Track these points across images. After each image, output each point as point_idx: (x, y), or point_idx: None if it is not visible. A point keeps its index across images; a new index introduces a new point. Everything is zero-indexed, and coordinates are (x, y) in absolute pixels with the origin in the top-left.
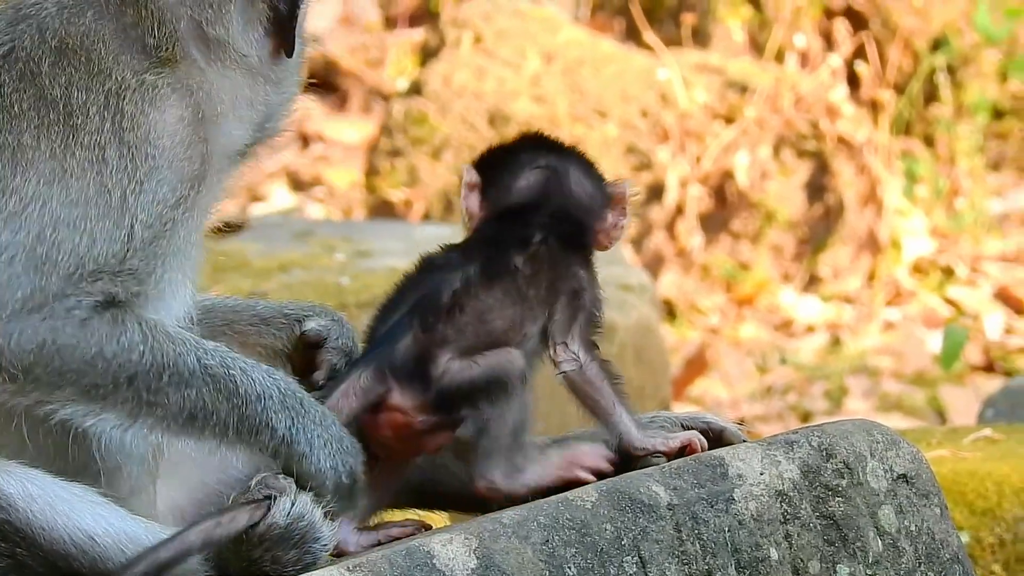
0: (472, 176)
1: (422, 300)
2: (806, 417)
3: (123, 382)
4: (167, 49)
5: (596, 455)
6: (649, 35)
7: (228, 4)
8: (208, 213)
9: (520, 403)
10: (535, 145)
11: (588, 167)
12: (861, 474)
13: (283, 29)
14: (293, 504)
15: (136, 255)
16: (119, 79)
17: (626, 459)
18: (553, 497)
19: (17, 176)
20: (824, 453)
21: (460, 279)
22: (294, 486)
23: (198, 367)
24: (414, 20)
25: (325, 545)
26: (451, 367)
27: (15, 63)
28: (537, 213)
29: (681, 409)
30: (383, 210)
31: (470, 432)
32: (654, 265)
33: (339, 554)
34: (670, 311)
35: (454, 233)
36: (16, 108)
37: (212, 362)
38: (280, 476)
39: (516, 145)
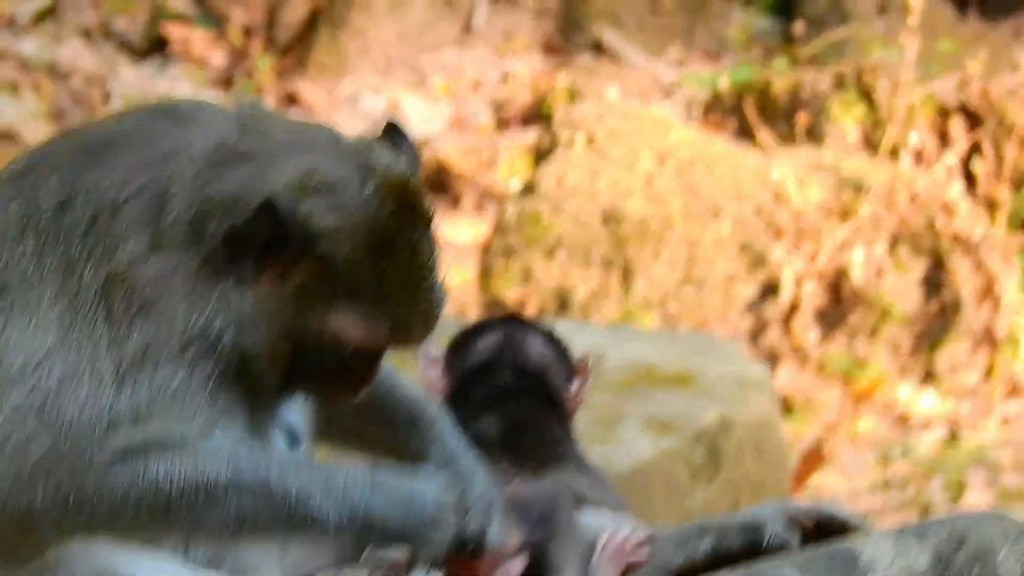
0: (433, 353)
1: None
2: (925, 510)
3: (160, 516)
4: (170, 238)
5: (633, 539)
6: (762, 134)
7: (242, 254)
8: (244, 387)
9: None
10: (499, 320)
11: (549, 336)
12: (993, 564)
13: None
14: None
15: (154, 414)
16: (115, 265)
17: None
18: None
19: (28, 337)
20: (956, 542)
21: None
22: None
23: (230, 485)
24: (526, 121)
25: None
26: (526, 487)
27: (63, 216)
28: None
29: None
30: (496, 309)
31: (548, 558)
32: (770, 361)
33: None
34: (787, 406)
35: (569, 330)
36: (46, 268)
37: (245, 467)
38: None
39: (479, 323)
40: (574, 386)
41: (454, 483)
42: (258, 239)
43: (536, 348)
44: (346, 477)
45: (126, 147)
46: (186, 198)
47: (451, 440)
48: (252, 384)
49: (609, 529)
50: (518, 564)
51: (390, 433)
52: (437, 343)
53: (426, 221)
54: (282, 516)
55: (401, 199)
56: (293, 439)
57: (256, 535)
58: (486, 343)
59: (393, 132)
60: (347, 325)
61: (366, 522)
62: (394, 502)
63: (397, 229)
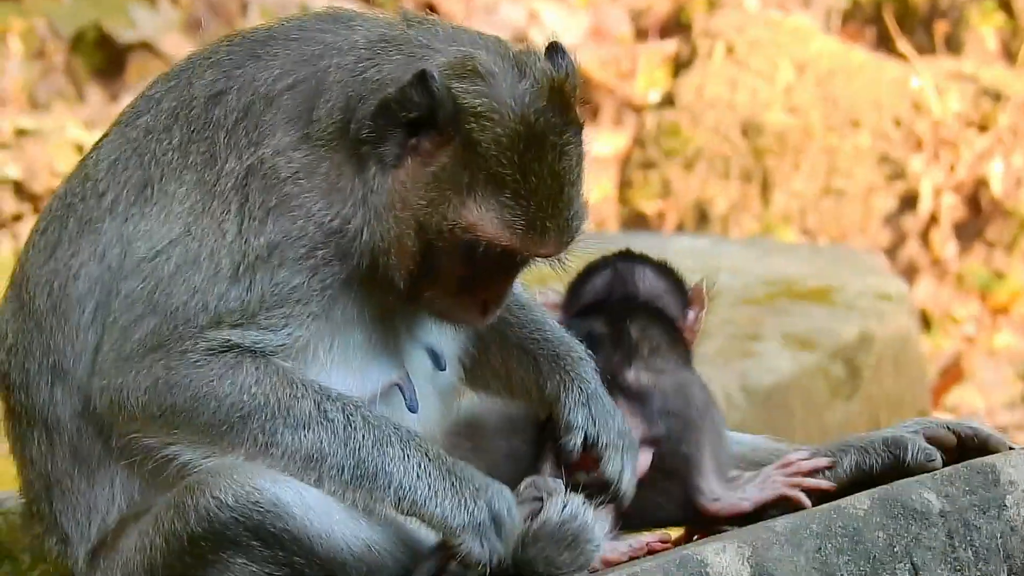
0: (552, 297)
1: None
2: None
3: (236, 422)
4: (321, 128)
5: (812, 461)
6: (902, 43)
7: (389, 132)
8: (369, 296)
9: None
10: (610, 257)
11: (662, 268)
12: None
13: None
14: (565, 504)
15: (260, 315)
16: (260, 155)
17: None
18: (826, 505)
19: (157, 226)
20: None
21: None
22: (563, 487)
23: (316, 411)
24: (665, 31)
25: (598, 546)
26: (642, 377)
27: (216, 106)
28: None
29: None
30: (636, 222)
31: (683, 452)
32: (908, 274)
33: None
34: (925, 320)
35: (710, 245)
36: (191, 158)
37: (331, 408)
38: (551, 479)
39: (591, 264)
40: (690, 315)
41: (591, 422)
42: (409, 110)
43: (647, 281)
44: (428, 451)
45: (286, 43)
46: (342, 86)
47: (591, 382)
48: (380, 295)
49: (791, 450)
50: (646, 457)
51: (532, 370)
52: (560, 283)
53: (577, 127)
54: (353, 461)
55: (555, 99)
56: (436, 359)
57: (327, 472)
58: (597, 282)
59: (554, 50)
60: (481, 217)
61: (426, 497)
62: (460, 486)
63: (548, 126)
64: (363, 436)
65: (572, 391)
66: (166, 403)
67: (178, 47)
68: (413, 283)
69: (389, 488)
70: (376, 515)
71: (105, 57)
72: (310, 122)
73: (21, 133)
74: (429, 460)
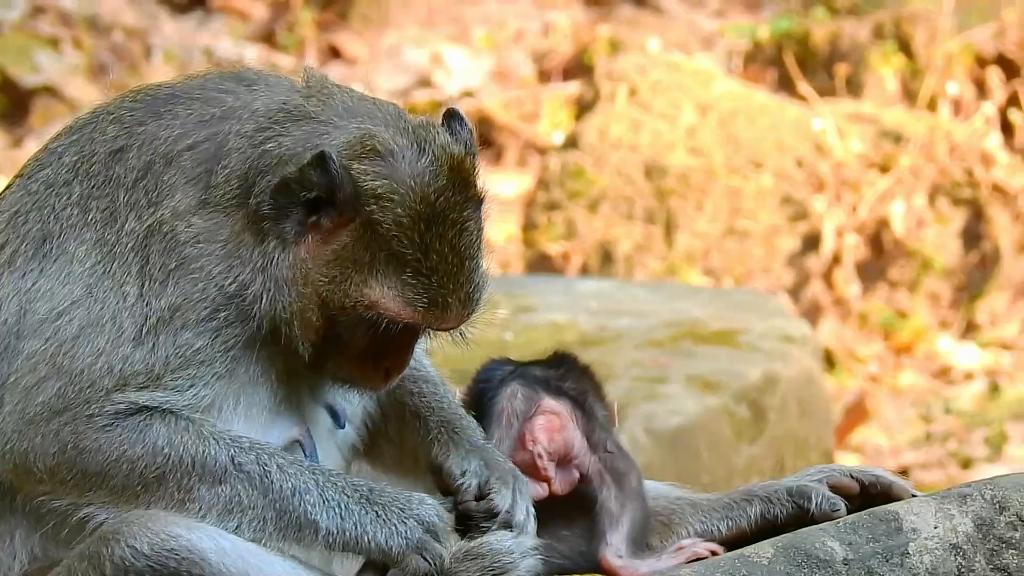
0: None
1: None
2: (967, 464)
3: (152, 482)
4: (220, 193)
5: (703, 545)
6: (803, 85)
7: (289, 210)
8: (272, 356)
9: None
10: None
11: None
12: None
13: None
14: (511, 539)
15: (165, 376)
16: (159, 217)
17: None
18: (731, 553)
19: (58, 285)
20: (997, 506)
21: None
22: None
23: (230, 464)
24: (568, 74)
25: None
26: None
27: (117, 163)
28: None
29: (845, 459)
30: (541, 263)
31: (607, 504)
32: (812, 314)
33: None
34: (829, 360)
35: (614, 288)
36: (91, 215)
37: (246, 460)
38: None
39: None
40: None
41: (478, 470)
42: (307, 191)
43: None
44: (346, 484)
45: (189, 102)
46: (241, 154)
47: (480, 440)
48: (283, 358)
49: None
50: (570, 478)
51: (423, 434)
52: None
53: (478, 202)
54: (274, 512)
55: (455, 175)
56: (335, 417)
57: (246, 525)
58: (489, 374)
59: (452, 118)
60: (384, 295)
61: (356, 534)
62: (387, 514)
63: (448, 204)
64: (280, 486)
65: (462, 445)
66: (76, 468)
67: (82, 91)
68: (316, 352)
69: (317, 535)
70: (292, 555)
71: (8, 101)
72: (208, 187)
73: None
74: (348, 496)
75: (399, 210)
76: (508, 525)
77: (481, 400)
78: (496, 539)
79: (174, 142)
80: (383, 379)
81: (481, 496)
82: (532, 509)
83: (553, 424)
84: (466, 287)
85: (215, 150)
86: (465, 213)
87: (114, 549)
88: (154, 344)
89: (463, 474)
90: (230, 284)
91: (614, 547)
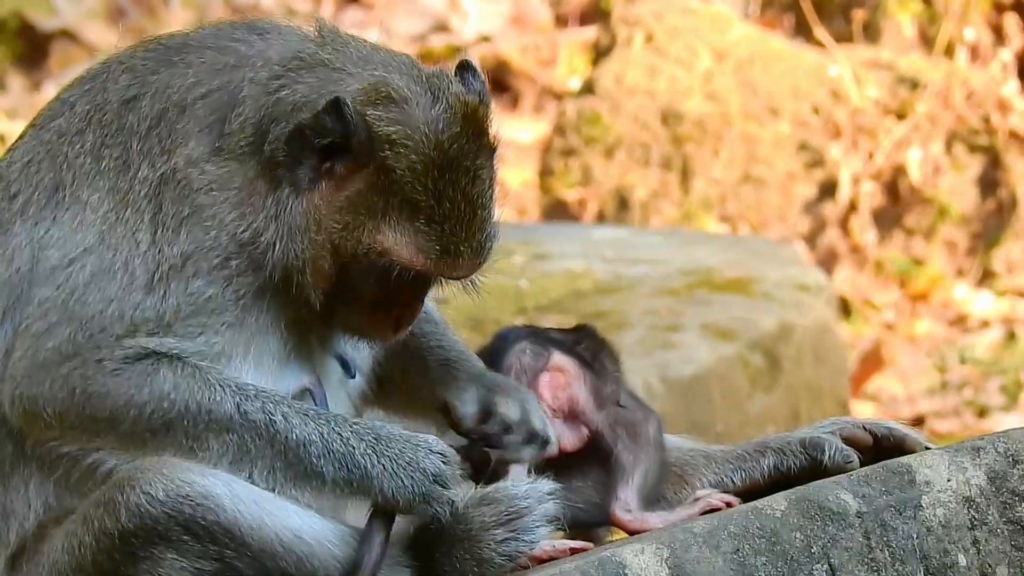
0: None
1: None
2: (982, 412)
3: (159, 429)
4: (233, 142)
5: (718, 496)
6: (819, 31)
7: (304, 156)
8: (283, 306)
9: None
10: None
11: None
12: None
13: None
14: (528, 485)
15: (176, 324)
16: (173, 164)
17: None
18: (743, 506)
19: (70, 233)
20: (1010, 459)
21: None
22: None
23: (236, 413)
24: (585, 19)
25: (532, 544)
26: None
27: (130, 112)
28: None
29: (860, 407)
30: (557, 210)
31: (620, 458)
32: (828, 262)
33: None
34: (845, 308)
35: (629, 235)
36: (104, 163)
37: (251, 408)
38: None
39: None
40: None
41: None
42: (322, 137)
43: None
44: (352, 434)
45: (201, 51)
46: (255, 102)
47: (482, 370)
48: (294, 307)
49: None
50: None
51: (426, 374)
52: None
53: (490, 150)
54: (282, 462)
55: (469, 124)
56: (345, 366)
57: (257, 474)
58: (503, 333)
59: (465, 69)
60: (396, 242)
61: (362, 486)
62: (393, 466)
63: (461, 152)
64: (285, 436)
65: (459, 377)
66: (85, 413)
67: (101, 35)
68: (327, 301)
69: (324, 485)
70: (306, 503)
71: (27, 45)
72: (222, 135)
73: None
74: (353, 447)
75: (412, 156)
76: (530, 436)
77: (493, 357)
78: (512, 483)
79: (187, 90)
80: (393, 329)
81: (487, 418)
82: (546, 419)
83: (558, 380)
84: (478, 236)
85: (228, 98)
86: (478, 161)
87: (129, 495)
88: (165, 291)
89: (462, 403)
90: (243, 232)
91: (623, 501)
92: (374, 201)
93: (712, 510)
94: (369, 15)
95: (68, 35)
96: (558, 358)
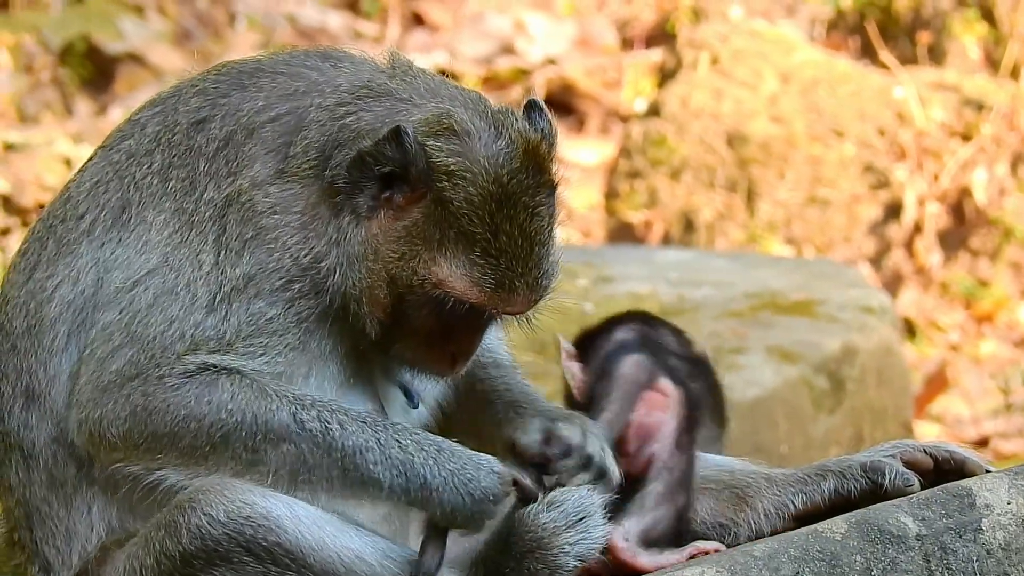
0: (569, 347)
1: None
2: None
3: (218, 442)
4: (297, 164)
5: (705, 544)
6: (884, 53)
7: (364, 184)
8: (344, 332)
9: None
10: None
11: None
12: None
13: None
14: (585, 493)
15: (237, 343)
16: (238, 187)
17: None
18: (803, 529)
19: (135, 254)
20: None
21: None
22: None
23: (292, 423)
24: (651, 41)
25: (599, 541)
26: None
27: (199, 133)
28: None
29: (924, 429)
30: (622, 232)
31: (650, 497)
32: (893, 283)
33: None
34: (910, 329)
35: (694, 258)
36: (171, 184)
37: (307, 416)
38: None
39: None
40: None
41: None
42: (383, 164)
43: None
44: (412, 443)
45: (274, 76)
46: (321, 127)
47: (542, 405)
48: (353, 334)
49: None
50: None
51: (493, 415)
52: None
53: (551, 188)
54: (339, 470)
55: (529, 159)
56: (409, 397)
57: (316, 484)
58: (622, 336)
59: (532, 108)
60: (451, 274)
61: (421, 491)
62: (453, 480)
63: (520, 187)
64: (342, 444)
65: (526, 414)
66: (147, 430)
67: (166, 58)
68: (384, 331)
69: (381, 493)
70: (364, 525)
71: (93, 69)
72: (287, 157)
73: (9, 147)
74: (412, 456)
75: (471, 188)
76: (586, 462)
77: (606, 357)
78: (575, 488)
79: (256, 114)
80: (450, 365)
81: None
82: (607, 448)
83: (657, 402)
84: (534, 272)
85: (296, 122)
86: (538, 198)
87: (190, 517)
88: (227, 312)
89: (526, 433)
90: (305, 256)
91: (624, 530)
92: (431, 232)
93: (699, 554)
94: (435, 37)
95: (134, 58)
96: (667, 385)
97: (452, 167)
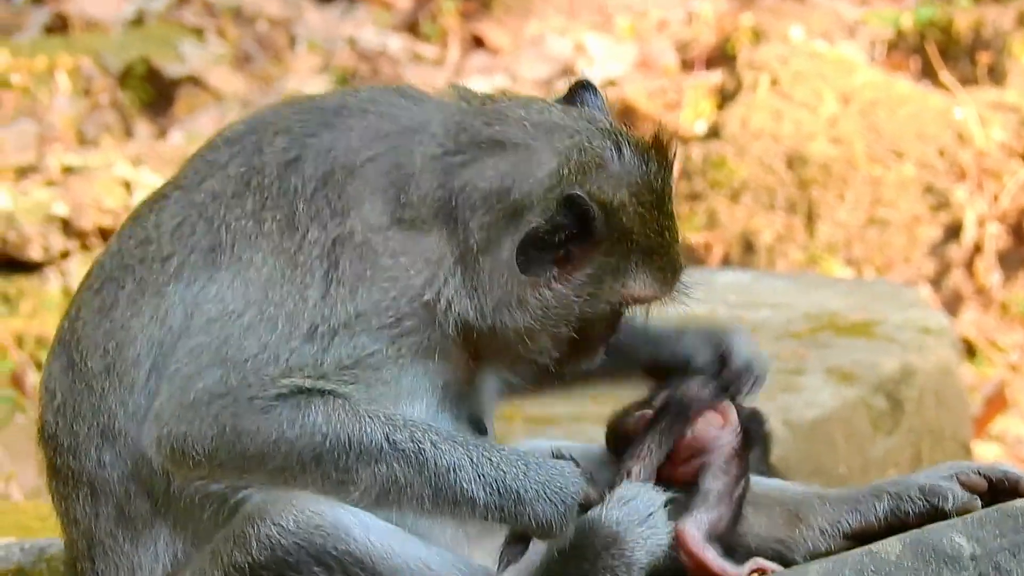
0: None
1: None
2: None
3: (309, 463)
4: (416, 213)
5: (764, 562)
6: (944, 74)
7: (499, 230)
8: (437, 366)
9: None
10: None
11: None
12: None
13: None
14: (644, 491)
15: (331, 373)
16: (350, 227)
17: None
18: (858, 550)
19: (228, 291)
20: None
21: None
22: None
23: (386, 444)
24: (711, 63)
25: (666, 536)
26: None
27: (292, 174)
28: None
29: (984, 449)
30: (683, 254)
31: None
32: (953, 303)
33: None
34: (969, 349)
35: (752, 280)
36: (267, 225)
37: (400, 437)
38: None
39: None
40: None
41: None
42: (560, 233)
43: None
44: (501, 459)
45: (362, 115)
46: (434, 177)
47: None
48: (454, 370)
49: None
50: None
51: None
52: None
53: (672, 165)
54: (431, 490)
55: (659, 151)
56: (478, 427)
57: (405, 504)
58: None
59: (585, 88)
60: (641, 286)
61: (515, 506)
62: (545, 491)
63: (664, 181)
64: (435, 463)
65: (688, 332)
66: (235, 450)
67: (226, 81)
68: (560, 357)
69: (474, 511)
70: (434, 534)
71: (153, 92)
72: (401, 205)
73: (68, 170)
74: (504, 472)
75: (638, 209)
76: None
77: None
78: (638, 484)
79: (353, 154)
80: (598, 352)
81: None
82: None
83: (716, 421)
84: (677, 244)
85: (399, 166)
86: (671, 178)
87: (260, 528)
88: (328, 344)
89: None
90: (426, 296)
91: (695, 520)
92: (614, 263)
93: (759, 571)
94: (495, 60)
95: (194, 81)
96: (730, 409)
97: (616, 200)
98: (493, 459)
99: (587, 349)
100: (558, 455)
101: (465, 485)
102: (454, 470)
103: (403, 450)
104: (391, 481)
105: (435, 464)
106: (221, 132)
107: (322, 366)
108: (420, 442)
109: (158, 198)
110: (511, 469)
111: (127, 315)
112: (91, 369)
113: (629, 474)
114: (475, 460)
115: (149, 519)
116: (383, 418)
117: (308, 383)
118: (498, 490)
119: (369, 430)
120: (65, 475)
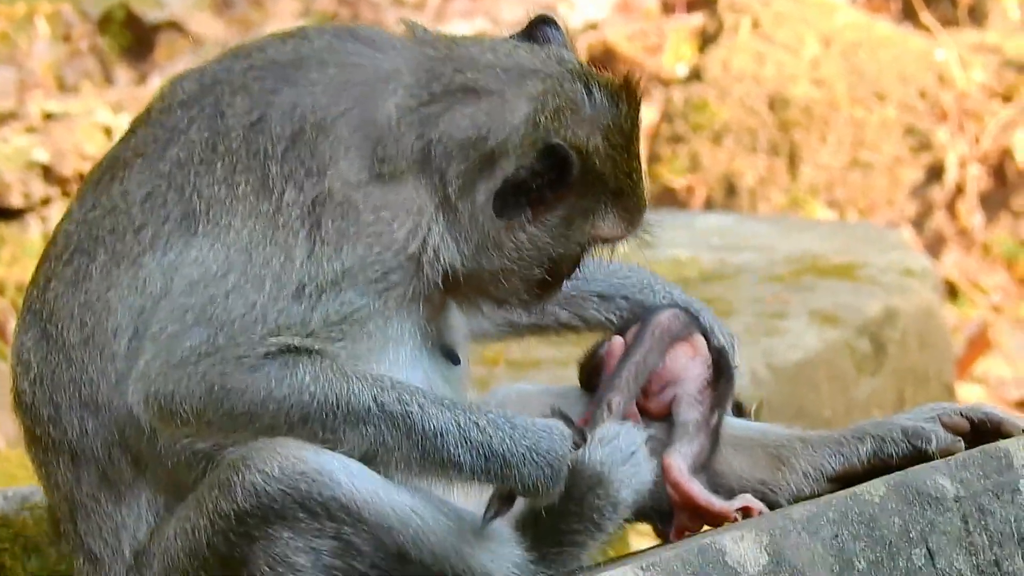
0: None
1: None
2: None
3: (297, 422)
4: (394, 166)
5: (754, 502)
6: (925, 16)
7: (475, 176)
8: (418, 310)
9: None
10: None
11: None
12: None
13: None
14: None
15: (319, 330)
16: (328, 186)
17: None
18: (842, 492)
19: (209, 254)
20: None
21: None
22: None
23: (373, 405)
24: (692, 5)
25: (650, 472)
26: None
27: (259, 135)
28: None
29: (966, 391)
30: (665, 197)
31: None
32: (935, 245)
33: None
34: (952, 291)
35: (735, 222)
36: (240, 188)
37: (388, 399)
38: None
39: None
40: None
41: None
42: (539, 180)
43: None
44: (488, 423)
45: (321, 66)
46: (411, 130)
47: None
48: (422, 309)
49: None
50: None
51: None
52: None
53: (640, 106)
54: (419, 452)
55: (629, 93)
56: (451, 356)
57: (392, 465)
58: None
59: (546, 23)
60: (611, 225)
61: (502, 469)
62: (532, 455)
63: (633, 122)
64: (422, 427)
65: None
66: (223, 408)
67: (207, 26)
68: (527, 295)
69: (461, 474)
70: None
71: (133, 37)
72: (379, 160)
73: (48, 117)
74: (490, 436)
75: (611, 151)
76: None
77: (644, 313)
78: (618, 423)
79: (322, 110)
80: (558, 288)
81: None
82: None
83: (688, 353)
84: (643, 182)
85: (371, 119)
86: (639, 119)
87: (244, 475)
88: (315, 302)
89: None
90: (411, 247)
91: (677, 452)
92: (586, 205)
93: (747, 513)
94: (476, 4)
95: (174, 26)
96: (701, 340)
97: (591, 146)
98: (480, 423)
99: (550, 287)
100: (554, 412)
101: (452, 449)
102: (441, 434)
103: (390, 412)
104: (378, 443)
105: (422, 427)
106: (170, 91)
107: (310, 324)
108: (407, 404)
109: (119, 165)
110: (498, 433)
111: (103, 287)
112: (68, 340)
113: (610, 406)
114: (462, 424)
115: (132, 480)
116: (371, 379)
117: (296, 341)
118: (484, 455)
119: (357, 390)
120: (45, 443)
